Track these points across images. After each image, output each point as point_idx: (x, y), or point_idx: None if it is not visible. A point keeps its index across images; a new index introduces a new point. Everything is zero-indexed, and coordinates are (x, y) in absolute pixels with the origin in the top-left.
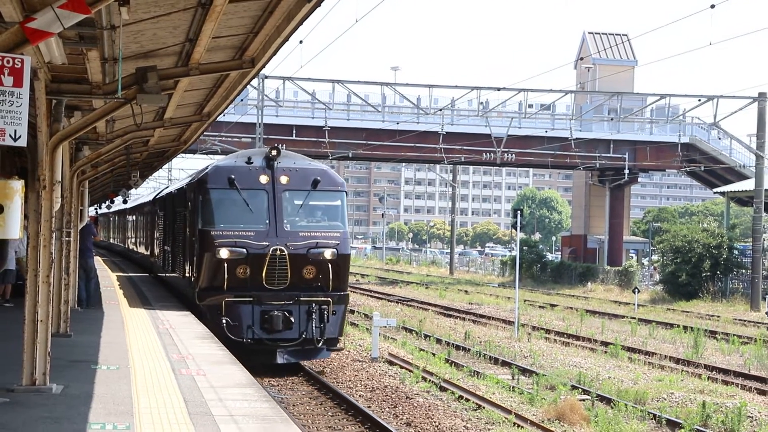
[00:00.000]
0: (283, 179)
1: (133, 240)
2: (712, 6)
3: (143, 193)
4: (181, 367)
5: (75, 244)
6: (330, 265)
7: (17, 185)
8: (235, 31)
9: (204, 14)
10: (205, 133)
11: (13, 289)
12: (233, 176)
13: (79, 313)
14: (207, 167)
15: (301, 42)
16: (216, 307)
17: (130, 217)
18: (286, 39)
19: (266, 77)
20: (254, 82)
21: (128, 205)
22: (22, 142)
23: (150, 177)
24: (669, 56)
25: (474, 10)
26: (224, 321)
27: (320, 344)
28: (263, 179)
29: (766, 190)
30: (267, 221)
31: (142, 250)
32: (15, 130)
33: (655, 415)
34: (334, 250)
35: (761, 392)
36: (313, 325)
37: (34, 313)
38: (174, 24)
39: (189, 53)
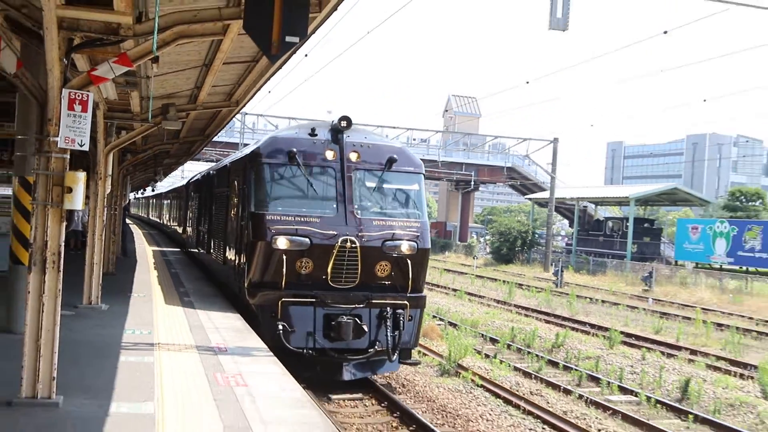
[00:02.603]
0: (353, 156)
1: (167, 218)
2: (527, 82)
3: (163, 185)
4: (184, 297)
5: (120, 216)
6: (409, 262)
7: (81, 175)
8: (226, 82)
9: (206, 71)
10: (205, 148)
11: (80, 244)
12: (294, 149)
13: (122, 260)
14: (259, 140)
15: (269, 92)
16: (269, 308)
17: (165, 201)
18: (259, 89)
19: (246, 114)
20: (238, 116)
21: (164, 190)
22: (86, 148)
23: (169, 175)
24: (501, 111)
25: (378, 75)
26: (280, 326)
27: (394, 356)
28: (329, 155)
29: (556, 198)
30: (335, 206)
31: (174, 226)
32: (81, 140)
33: (483, 334)
34: (414, 243)
35: (547, 321)
36: (388, 333)
37: (92, 258)
38: (187, 76)
39: (196, 96)
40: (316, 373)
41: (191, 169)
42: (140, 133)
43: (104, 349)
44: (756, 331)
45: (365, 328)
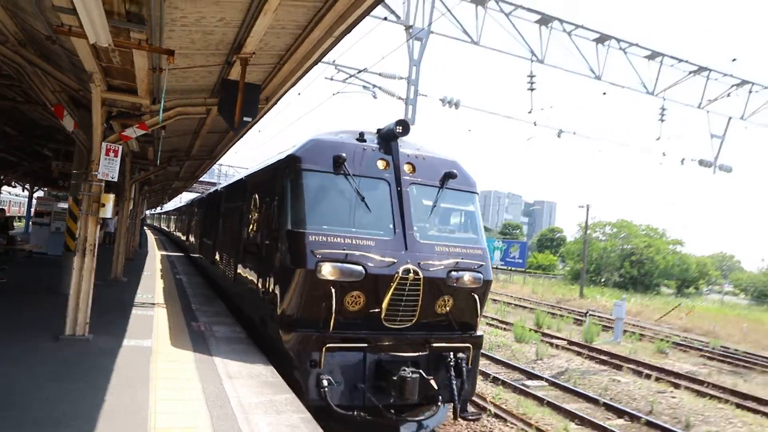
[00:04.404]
0: (407, 168)
1: (173, 228)
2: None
3: (169, 206)
4: (176, 274)
5: (139, 224)
6: (474, 296)
7: (111, 196)
8: (210, 143)
9: (196, 136)
10: (195, 183)
11: (112, 241)
12: (343, 155)
13: (138, 252)
14: (295, 145)
15: (236, 152)
16: (308, 354)
17: (172, 216)
18: (229, 149)
19: (221, 165)
20: (216, 165)
21: (171, 208)
22: (116, 180)
23: (173, 199)
24: None
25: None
26: (325, 382)
27: (460, 410)
28: (381, 165)
29: None
30: (391, 226)
31: (178, 234)
32: (113, 175)
33: None
34: (479, 274)
35: None
36: (452, 383)
37: (118, 249)
38: (184, 140)
39: (190, 151)
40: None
41: (186, 196)
42: (153, 173)
43: (122, 305)
44: (513, 304)
45: (434, 383)
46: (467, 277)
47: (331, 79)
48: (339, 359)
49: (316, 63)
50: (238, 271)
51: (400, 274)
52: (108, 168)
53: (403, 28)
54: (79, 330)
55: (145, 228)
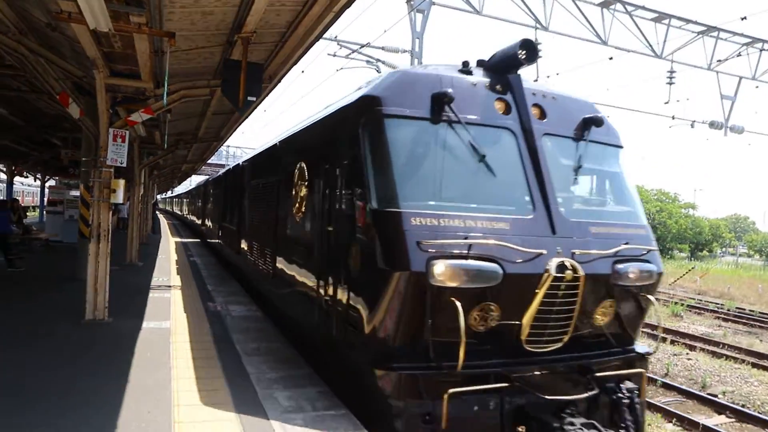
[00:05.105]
0: (534, 112)
1: (186, 211)
2: None
3: (178, 189)
4: (191, 256)
5: (151, 209)
6: (646, 297)
7: (122, 182)
8: (215, 125)
9: (202, 119)
10: (203, 165)
11: (126, 226)
12: (448, 92)
13: (152, 236)
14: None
15: (243, 133)
16: (420, 405)
17: (184, 199)
18: (235, 129)
19: (229, 146)
20: (223, 147)
21: (182, 191)
22: (124, 165)
23: (182, 183)
24: None
25: None
26: None
27: None
28: (499, 107)
29: None
30: (527, 198)
31: (192, 218)
32: (121, 160)
33: None
34: (650, 265)
35: None
36: (629, 428)
37: (132, 233)
38: (191, 122)
39: (197, 133)
40: None
41: (196, 179)
42: (161, 157)
43: (139, 289)
44: None
45: None
46: (635, 269)
47: (334, 55)
48: (465, 408)
49: (317, 39)
50: (278, 265)
51: (552, 273)
52: (116, 154)
53: (405, 1)
54: (99, 314)
55: (157, 213)
